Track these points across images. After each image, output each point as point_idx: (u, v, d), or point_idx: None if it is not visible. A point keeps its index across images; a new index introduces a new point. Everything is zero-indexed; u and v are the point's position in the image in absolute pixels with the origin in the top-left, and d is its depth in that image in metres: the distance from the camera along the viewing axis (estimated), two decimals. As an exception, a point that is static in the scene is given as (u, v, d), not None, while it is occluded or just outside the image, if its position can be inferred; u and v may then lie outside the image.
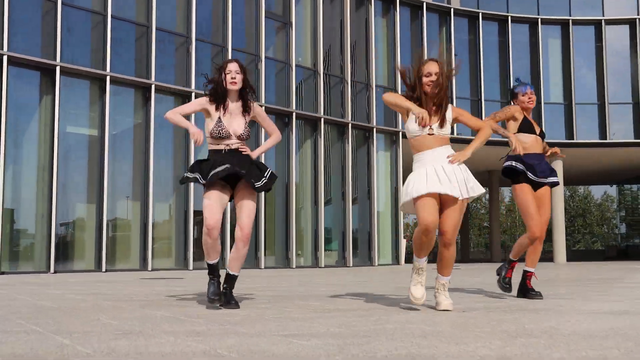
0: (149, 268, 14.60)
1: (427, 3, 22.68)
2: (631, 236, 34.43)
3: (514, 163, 5.46)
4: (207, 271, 4.72)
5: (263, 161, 16.92)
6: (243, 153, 4.71)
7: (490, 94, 23.93)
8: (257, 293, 6.33)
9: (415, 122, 4.23)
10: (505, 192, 72.37)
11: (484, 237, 68.55)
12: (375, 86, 20.79)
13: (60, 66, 13.66)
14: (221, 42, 16.84)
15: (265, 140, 14.71)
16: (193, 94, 15.85)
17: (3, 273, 12.53)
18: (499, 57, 24.31)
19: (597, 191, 72.43)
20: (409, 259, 29.95)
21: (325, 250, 18.74)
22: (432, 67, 4.33)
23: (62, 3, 13.87)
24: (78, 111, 14.30)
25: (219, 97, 4.75)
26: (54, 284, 8.51)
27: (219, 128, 4.67)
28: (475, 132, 4.51)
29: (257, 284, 8.20)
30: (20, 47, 13.30)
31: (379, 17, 21.54)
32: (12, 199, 13.18)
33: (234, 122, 4.73)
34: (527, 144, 5.50)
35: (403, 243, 23.67)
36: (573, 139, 24.09)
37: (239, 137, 4.72)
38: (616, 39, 24.96)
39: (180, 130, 15.37)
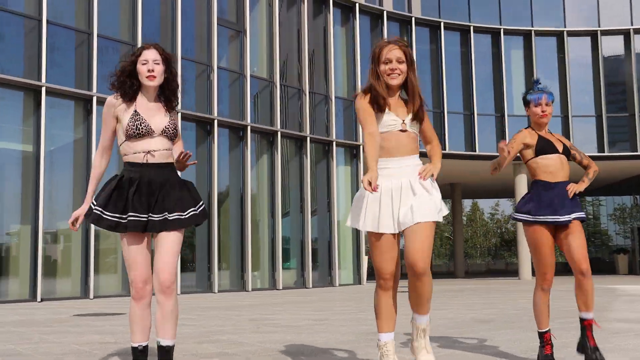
0: (91, 295, 13.40)
1: (387, 12, 21.94)
2: None
3: (521, 216, 4.21)
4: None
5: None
6: (184, 156, 3.48)
7: (453, 106, 23.28)
8: (195, 348, 5.32)
9: (386, 116, 3.46)
10: (465, 202, 72.56)
11: (446, 248, 68.45)
12: (335, 98, 19.93)
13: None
14: (169, 51, 15.75)
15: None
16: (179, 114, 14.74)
17: None
18: (461, 68, 23.70)
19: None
20: (371, 275, 29.19)
21: (283, 268, 17.75)
22: (390, 53, 3.45)
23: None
24: (10, 125, 13.08)
25: (128, 92, 3.51)
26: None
27: (137, 122, 3.43)
28: (425, 142, 3.74)
29: (197, 326, 7.17)
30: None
31: (338, 26, 20.72)
32: None
33: (155, 116, 3.52)
34: (551, 167, 4.21)
35: (365, 260, 22.87)
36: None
37: (163, 133, 3.48)
38: (578, 50, 24.61)
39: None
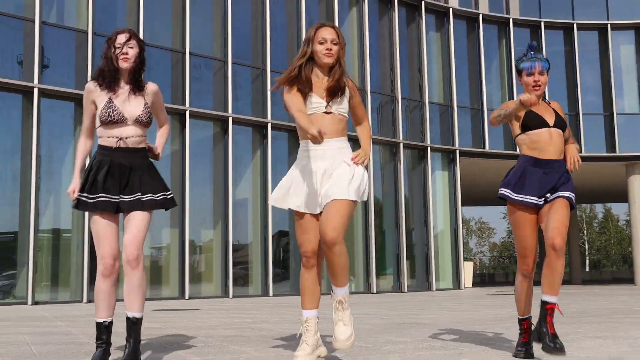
0: (186, 296, 14.33)
1: (483, 14, 21.73)
2: None
3: (505, 191, 3.97)
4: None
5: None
6: (148, 154, 3.80)
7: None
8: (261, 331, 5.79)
9: (315, 101, 3.59)
10: (597, 207, 69.28)
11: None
12: (429, 103, 19.99)
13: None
14: (260, 65, 16.55)
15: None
16: (230, 119, 15.60)
17: None
18: (565, 68, 22.95)
19: None
20: (478, 282, 28.68)
21: (380, 274, 18.01)
22: (326, 33, 3.61)
23: (94, 33, 13.95)
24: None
25: (106, 77, 3.72)
26: None
27: (109, 109, 3.65)
28: (355, 122, 3.82)
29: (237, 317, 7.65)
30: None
31: (432, 32, 20.79)
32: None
33: (129, 103, 3.72)
34: (539, 143, 3.90)
35: (466, 265, 22.64)
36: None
37: (136, 121, 3.70)
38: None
39: (218, 158, 15.13)
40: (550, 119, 3.93)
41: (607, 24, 23.01)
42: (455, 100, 20.60)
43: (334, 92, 3.60)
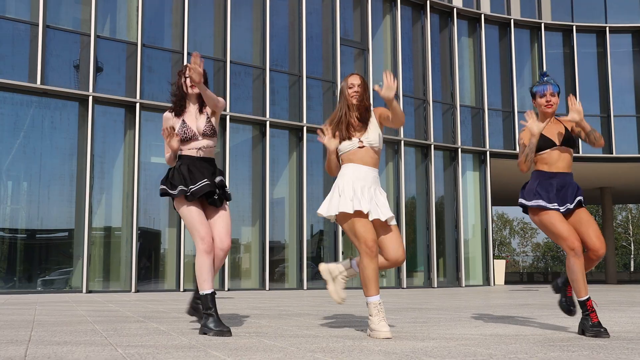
0: (226, 288, 15.42)
1: (515, 20, 22.34)
2: None
3: (525, 201, 4.44)
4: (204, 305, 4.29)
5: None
6: (212, 162, 4.62)
7: (590, 108, 23.04)
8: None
9: (344, 139, 4.46)
10: (615, 208, 68.36)
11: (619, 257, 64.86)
12: (460, 106, 20.73)
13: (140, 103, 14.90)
14: (297, 72, 17.55)
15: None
16: (268, 122, 16.64)
17: (90, 292, 13.77)
18: (598, 70, 23.37)
19: None
20: (516, 281, 29.08)
21: (412, 272, 18.85)
22: (354, 80, 4.56)
23: (143, 45, 15.15)
24: (159, 142, 15.47)
25: (179, 102, 4.66)
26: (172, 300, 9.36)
27: (184, 128, 4.53)
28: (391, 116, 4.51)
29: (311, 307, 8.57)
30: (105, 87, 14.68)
31: (464, 37, 21.51)
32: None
33: (196, 120, 4.60)
34: (549, 160, 4.42)
35: (500, 264, 23.24)
36: (683, 152, 22.61)
37: (203, 134, 4.56)
38: None
39: (257, 160, 16.17)
40: (559, 137, 4.42)
41: (639, 27, 23.34)
42: (487, 103, 21.28)
43: (367, 132, 4.50)
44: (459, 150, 20.38)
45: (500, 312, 6.58)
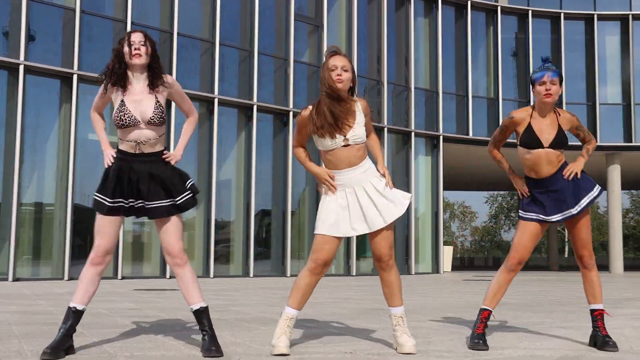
0: (167, 275, 14.52)
1: (472, 2, 21.84)
2: None
3: (523, 213, 4.21)
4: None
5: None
6: (164, 159, 3.78)
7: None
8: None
9: (326, 139, 3.74)
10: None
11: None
12: (415, 88, 20.16)
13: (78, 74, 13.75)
14: (248, 47, 16.61)
15: (181, 129, 14.39)
16: (216, 100, 15.70)
17: (18, 279, 12.67)
18: (552, 55, 23.16)
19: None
20: (458, 266, 29.04)
21: (360, 257, 18.29)
22: (336, 61, 3.72)
23: (82, 11, 13.95)
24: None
25: (118, 75, 3.73)
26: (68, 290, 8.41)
27: (121, 113, 3.65)
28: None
29: (225, 299, 7.84)
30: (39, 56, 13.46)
31: (420, 17, 20.89)
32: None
33: (142, 103, 3.70)
34: (533, 163, 4.12)
35: (448, 250, 22.96)
36: (631, 142, 22.68)
37: (148, 122, 3.67)
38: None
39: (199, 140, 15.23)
40: (549, 138, 4.07)
41: (593, 14, 23.20)
42: (441, 87, 20.78)
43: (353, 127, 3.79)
44: (412, 134, 19.84)
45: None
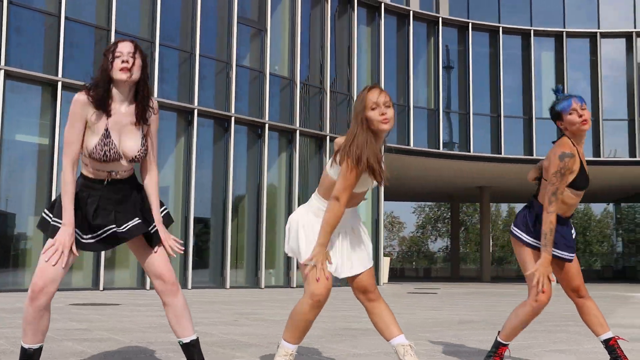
0: (101, 287, 13.65)
1: (414, 12, 21.79)
2: (628, 256, 33.34)
3: (559, 251, 3.74)
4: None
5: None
6: (171, 254, 3.22)
7: (480, 108, 23.01)
8: (159, 337, 5.36)
9: (373, 181, 3.35)
10: (502, 206, 71.61)
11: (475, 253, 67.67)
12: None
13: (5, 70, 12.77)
14: (189, 48, 15.93)
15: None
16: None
17: None
18: (489, 69, 23.39)
19: (597, 208, 71.54)
20: (390, 277, 28.98)
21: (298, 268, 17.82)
22: (380, 97, 3.21)
23: (10, 2, 13.00)
24: (28, 119, 13.39)
25: (101, 94, 2.96)
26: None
27: (106, 147, 2.98)
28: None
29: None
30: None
31: (363, 25, 20.66)
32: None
33: (128, 137, 3.06)
34: (572, 204, 3.65)
35: (386, 261, 22.79)
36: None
37: (131, 160, 3.08)
38: (612, 52, 24.06)
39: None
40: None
41: (530, 30, 23.58)
42: (383, 96, 20.56)
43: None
44: (354, 143, 19.51)
45: (454, 340, 5.56)
